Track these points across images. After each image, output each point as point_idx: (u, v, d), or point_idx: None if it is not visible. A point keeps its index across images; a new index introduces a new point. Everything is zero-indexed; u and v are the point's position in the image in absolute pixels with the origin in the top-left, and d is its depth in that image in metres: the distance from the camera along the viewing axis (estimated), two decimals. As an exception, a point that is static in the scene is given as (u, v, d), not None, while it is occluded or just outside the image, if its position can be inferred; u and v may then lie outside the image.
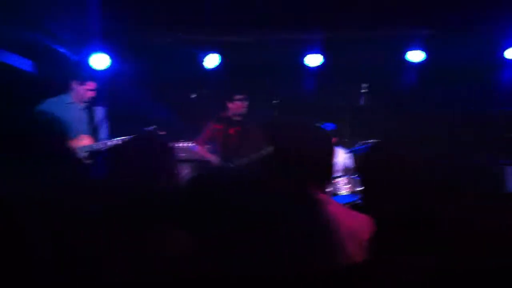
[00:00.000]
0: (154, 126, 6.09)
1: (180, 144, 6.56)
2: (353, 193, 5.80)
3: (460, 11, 6.40)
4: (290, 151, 2.34)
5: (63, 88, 5.86)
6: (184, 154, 5.97)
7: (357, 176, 5.55)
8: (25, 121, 1.31)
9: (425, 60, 7.09)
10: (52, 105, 5.37)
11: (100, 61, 6.54)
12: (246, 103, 6.30)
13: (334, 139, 6.82)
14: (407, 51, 7.10)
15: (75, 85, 5.64)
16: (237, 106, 6.28)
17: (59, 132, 1.39)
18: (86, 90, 5.63)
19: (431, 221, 1.35)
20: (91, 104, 5.72)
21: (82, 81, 5.62)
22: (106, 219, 1.39)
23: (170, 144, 2.07)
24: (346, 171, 6.27)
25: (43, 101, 5.45)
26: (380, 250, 1.48)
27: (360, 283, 1.33)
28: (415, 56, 7.07)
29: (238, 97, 6.26)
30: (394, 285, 1.32)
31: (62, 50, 6.43)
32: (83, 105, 5.67)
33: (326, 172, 2.34)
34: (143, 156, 1.95)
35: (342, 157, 6.31)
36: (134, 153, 1.96)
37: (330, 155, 2.35)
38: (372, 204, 1.60)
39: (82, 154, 5.33)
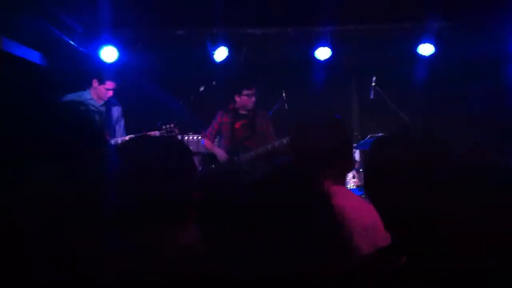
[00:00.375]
0: (172, 123, 6.12)
1: (190, 137, 6.58)
2: (360, 187, 5.79)
3: (473, 5, 6.33)
4: (309, 143, 2.29)
5: (76, 83, 5.97)
6: (192, 147, 5.98)
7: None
8: (56, 115, 1.27)
9: (436, 54, 7.01)
10: (75, 101, 5.47)
11: (109, 54, 6.56)
12: (254, 98, 6.27)
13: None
14: (418, 45, 7.03)
15: (95, 83, 5.82)
16: (245, 100, 6.26)
17: (99, 126, 1.36)
18: (106, 89, 5.82)
19: (432, 221, 1.33)
20: (108, 102, 5.88)
21: (103, 80, 5.79)
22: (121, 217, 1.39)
23: (186, 144, 2.03)
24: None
25: (63, 96, 5.56)
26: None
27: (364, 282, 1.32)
28: (426, 49, 7.00)
29: (246, 91, 6.23)
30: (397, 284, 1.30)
31: (71, 42, 6.43)
32: (101, 102, 5.85)
33: (346, 163, 2.31)
34: (161, 156, 1.87)
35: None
36: (152, 152, 1.90)
37: (349, 146, 2.32)
38: (373, 200, 1.58)
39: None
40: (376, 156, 1.62)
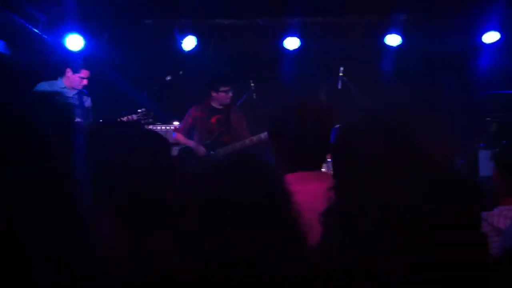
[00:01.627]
0: (142, 109, 6.10)
1: (158, 128, 6.53)
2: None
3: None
4: (287, 130, 2.25)
5: (43, 71, 5.90)
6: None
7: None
8: (32, 103, 1.23)
9: (403, 45, 7.09)
10: (48, 89, 5.48)
11: (75, 42, 6.47)
12: (231, 94, 6.25)
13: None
14: (385, 35, 7.10)
15: (69, 72, 5.78)
16: (221, 97, 6.22)
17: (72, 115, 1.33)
18: (80, 78, 5.77)
19: (390, 210, 1.34)
20: (79, 92, 5.84)
21: (77, 69, 5.75)
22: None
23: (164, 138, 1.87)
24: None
25: (36, 85, 5.56)
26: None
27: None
28: (393, 40, 7.08)
29: (223, 88, 6.19)
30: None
31: (35, 30, 6.32)
32: (74, 91, 5.81)
33: (323, 150, 2.29)
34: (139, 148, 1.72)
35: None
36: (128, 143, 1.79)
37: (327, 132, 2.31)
38: (339, 190, 1.58)
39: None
40: (341, 144, 1.63)
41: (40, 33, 6.40)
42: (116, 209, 1.49)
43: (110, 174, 1.53)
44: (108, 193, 1.49)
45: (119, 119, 5.71)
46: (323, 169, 2.39)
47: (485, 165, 6.58)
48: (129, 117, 5.89)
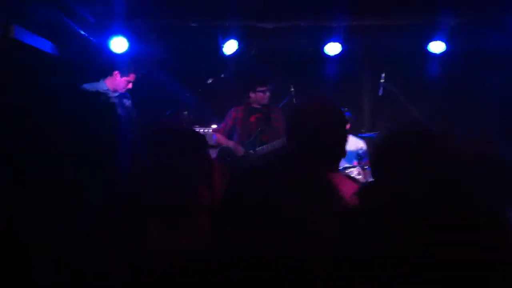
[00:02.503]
0: (182, 111, 6.15)
1: (197, 130, 6.57)
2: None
3: (484, 1, 6.29)
4: (305, 130, 2.27)
5: (87, 72, 5.98)
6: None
7: (369, 167, 5.53)
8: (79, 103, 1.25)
9: (447, 51, 6.97)
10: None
11: (119, 45, 6.57)
12: (268, 93, 6.27)
13: (348, 125, 6.82)
14: (429, 42, 6.99)
15: (117, 75, 5.82)
16: (259, 97, 6.25)
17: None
18: (127, 81, 5.82)
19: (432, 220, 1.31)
20: (122, 93, 5.91)
21: (127, 73, 5.79)
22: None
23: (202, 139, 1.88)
24: (359, 161, 6.25)
25: (79, 87, 5.60)
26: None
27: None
28: (437, 47, 6.96)
29: (260, 88, 6.22)
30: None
31: (82, 32, 6.44)
32: (116, 93, 5.86)
33: (339, 151, 2.30)
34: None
35: (355, 145, 6.27)
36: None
37: (343, 134, 2.31)
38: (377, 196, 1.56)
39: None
40: (384, 151, 1.61)
41: (87, 35, 6.51)
42: (148, 209, 1.50)
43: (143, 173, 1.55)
44: (144, 193, 1.51)
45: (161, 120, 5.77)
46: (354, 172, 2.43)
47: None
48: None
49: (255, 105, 6.31)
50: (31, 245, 1.03)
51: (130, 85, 5.88)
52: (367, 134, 6.61)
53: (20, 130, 1.08)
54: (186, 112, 6.11)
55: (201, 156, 1.83)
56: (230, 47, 6.96)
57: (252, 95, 6.26)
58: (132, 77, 5.84)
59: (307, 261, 1.23)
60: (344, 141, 2.33)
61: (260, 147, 6.18)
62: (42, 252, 1.04)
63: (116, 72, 5.81)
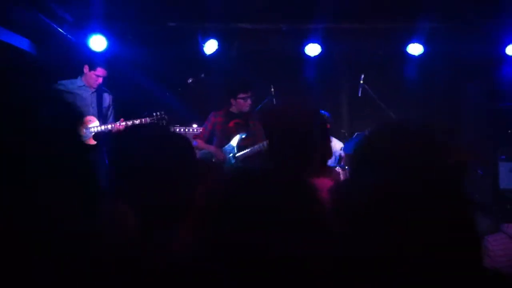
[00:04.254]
0: (157, 113, 6.13)
1: (177, 130, 6.55)
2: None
3: (462, 6, 6.37)
4: (284, 133, 2.27)
5: (66, 70, 5.98)
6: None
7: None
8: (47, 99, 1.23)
9: (425, 53, 7.06)
10: (68, 87, 5.79)
11: (98, 43, 6.54)
12: (250, 101, 6.23)
13: (328, 126, 6.85)
14: (408, 44, 7.07)
15: (86, 69, 5.86)
16: (240, 104, 6.22)
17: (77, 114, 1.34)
18: (96, 75, 5.86)
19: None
20: (100, 90, 5.96)
21: (94, 66, 5.82)
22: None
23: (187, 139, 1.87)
24: (340, 161, 6.29)
25: (56, 82, 5.74)
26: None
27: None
28: (415, 49, 7.05)
29: (242, 95, 6.19)
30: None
31: (61, 30, 6.40)
32: (92, 89, 5.93)
33: (323, 154, 2.29)
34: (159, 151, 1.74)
35: (337, 146, 6.31)
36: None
37: (324, 135, 2.30)
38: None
39: (89, 135, 5.77)
40: (362, 153, 1.62)
41: (65, 33, 6.48)
42: (141, 208, 1.50)
43: (134, 174, 1.54)
44: (134, 192, 1.50)
45: (134, 121, 5.78)
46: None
47: (505, 177, 6.54)
48: (144, 120, 5.91)
49: (234, 111, 6.31)
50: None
51: (100, 80, 5.88)
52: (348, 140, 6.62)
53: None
54: (157, 113, 6.08)
55: (193, 157, 1.84)
56: (211, 46, 6.96)
57: (233, 101, 6.24)
58: (99, 71, 5.85)
59: (290, 261, 1.24)
60: (324, 142, 2.32)
61: (240, 152, 6.19)
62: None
63: (85, 66, 5.86)
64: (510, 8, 6.30)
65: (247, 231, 1.26)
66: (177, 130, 6.52)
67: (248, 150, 6.15)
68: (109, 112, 6.15)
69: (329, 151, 2.33)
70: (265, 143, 5.99)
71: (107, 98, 6.12)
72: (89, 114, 5.84)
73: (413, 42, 7.01)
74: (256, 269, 1.23)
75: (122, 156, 1.74)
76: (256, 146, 6.08)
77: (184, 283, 1.27)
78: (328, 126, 6.85)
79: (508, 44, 7.00)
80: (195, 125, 6.68)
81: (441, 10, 6.42)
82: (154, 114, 6.00)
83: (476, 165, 6.39)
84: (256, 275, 1.23)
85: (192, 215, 1.51)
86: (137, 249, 1.34)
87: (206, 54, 6.99)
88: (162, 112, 6.08)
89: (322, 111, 6.80)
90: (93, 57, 6.10)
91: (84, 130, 5.60)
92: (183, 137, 1.83)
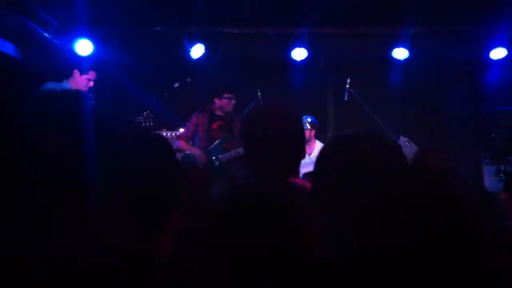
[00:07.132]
0: (146, 112, 6.13)
1: (163, 134, 6.55)
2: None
3: (447, 11, 6.43)
4: (259, 135, 2.25)
5: (52, 74, 5.93)
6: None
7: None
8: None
9: (410, 57, 7.11)
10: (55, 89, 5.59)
11: (84, 47, 6.52)
12: (234, 101, 6.29)
13: (313, 132, 6.88)
14: (393, 48, 7.12)
15: (76, 74, 5.79)
16: (224, 104, 6.27)
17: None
18: (88, 79, 5.80)
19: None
20: (84, 94, 5.86)
21: (85, 70, 5.77)
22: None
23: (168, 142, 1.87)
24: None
25: (43, 86, 5.63)
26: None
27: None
28: (401, 53, 7.10)
29: (227, 95, 6.24)
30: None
31: (46, 35, 6.36)
32: None
33: (298, 154, 2.28)
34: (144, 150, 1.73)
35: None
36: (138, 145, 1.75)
37: (301, 136, 2.30)
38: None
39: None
40: (323, 159, 1.62)
41: (50, 38, 6.44)
42: (127, 209, 1.50)
43: (121, 175, 1.55)
44: (120, 194, 1.50)
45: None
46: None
47: (490, 181, 6.59)
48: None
49: (218, 112, 6.33)
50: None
51: (91, 83, 5.85)
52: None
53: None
54: (145, 113, 6.08)
55: (174, 159, 1.84)
56: (197, 51, 6.96)
57: (217, 100, 6.27)
58: (91, 74, 5.81)
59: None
60: (298, 144, 2.30)
61: (223, 154, 6.21)
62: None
63: (75, 70, 5.79)
64: (494, 13, 6.37)
65: (231, 235, 1.27)
66: (164, 134, 6.52)
67: (231, 152, 6.18)
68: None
69: (303, 152, 2.33)
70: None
71: (91, 101, 6.09)
72: None
73: (398, 47, 7.06)
74: (238, 272, 1.24)
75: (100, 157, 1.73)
76: (239, 149, 6.09)
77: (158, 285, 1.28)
78: (314, 131, 6.93)
79: (492, 48, 7.07)
80: (181, 129, 6.68)
81: (426, 15, 6.47)
82: (144, 113, 6.03)
83: (461, 168, 6.43)
84: (238, 278, 1.24)
85: (173, 221, 1.51)
86: (121, 255, 1.35)
87: (192, 58, 6.99)
88: (149, 112, 6.09)
89: (308, 116, 6.86)
90: (82, 61, 6.05)
91: None
92: (164, 141, 1.83)
